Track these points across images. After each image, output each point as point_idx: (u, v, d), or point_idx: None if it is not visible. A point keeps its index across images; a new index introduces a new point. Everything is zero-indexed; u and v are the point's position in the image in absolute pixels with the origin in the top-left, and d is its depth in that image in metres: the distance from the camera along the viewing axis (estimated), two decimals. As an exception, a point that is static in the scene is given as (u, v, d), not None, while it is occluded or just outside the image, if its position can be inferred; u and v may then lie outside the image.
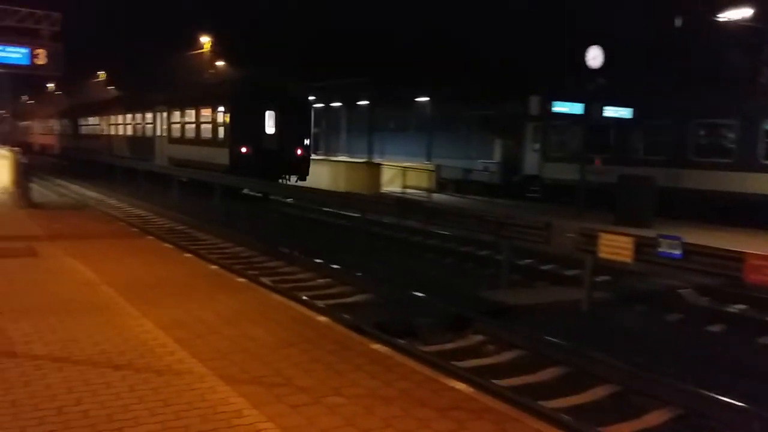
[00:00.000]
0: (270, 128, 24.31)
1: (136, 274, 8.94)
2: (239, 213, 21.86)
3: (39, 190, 20.87)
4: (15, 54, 15.44)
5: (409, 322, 8.78)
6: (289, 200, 22.35)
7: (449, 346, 8.38)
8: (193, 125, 27.33)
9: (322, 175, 24.57)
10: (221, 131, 24.70)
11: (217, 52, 54.52)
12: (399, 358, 5.97)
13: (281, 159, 23.70)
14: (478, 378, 6.66)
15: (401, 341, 7.83)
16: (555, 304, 10.43)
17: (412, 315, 9.08)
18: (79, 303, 7.26)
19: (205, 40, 54.05)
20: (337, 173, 24.55)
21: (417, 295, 10.24)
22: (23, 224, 13.28)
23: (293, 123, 24.58)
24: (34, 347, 5.69)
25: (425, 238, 16.88)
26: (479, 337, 8.62)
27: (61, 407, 4.46)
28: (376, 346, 6.24)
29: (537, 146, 23.37)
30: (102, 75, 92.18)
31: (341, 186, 20.47)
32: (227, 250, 14.71)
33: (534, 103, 18.12)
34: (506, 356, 8.05)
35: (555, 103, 17.71)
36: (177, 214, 19.77)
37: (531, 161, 23.49)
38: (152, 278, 8.71)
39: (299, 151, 24.22)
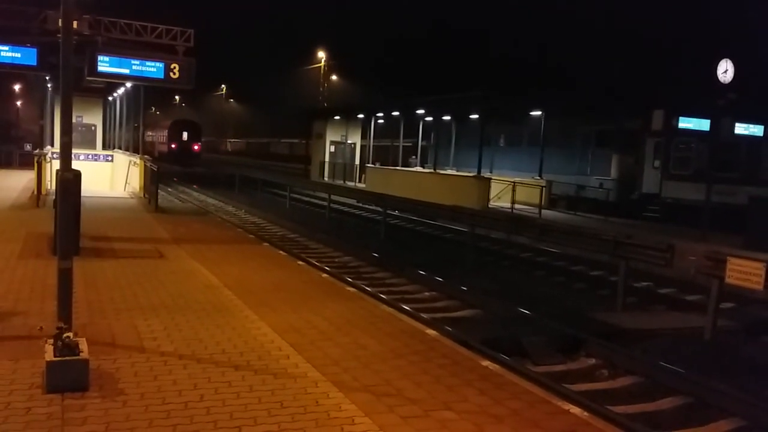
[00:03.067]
0: (184, 138, 54.32)
1: (253, 278, 9.32)
2: (348, 224, 22.32)
3: (164, 196, 22.24)
4: (151, 68, 16.56)
5: (517, 340, 8.61)
6: (395, 212, 22.60)
7: (560, 367, 8.14)
8: (162, 135, 56.08)
9: (430, 188, 24.66)
10: (166, 138, 54.35)
11: (332, 67, 56.24)
12: (509, 376, 5.86)
13: (188, 151, 53.19)
14: (592, 403, 6.42)
15: (510, 359, 7.69)
16: (674, 330, 9.89)
17: (520, 333, 8.90)
18: (201, 304, 7.66)
19: (321, 56, 55.91)
20: (445, 186, 24.56)
21: (525, 313, 10.03)
22: (151, 227, 14.20)
23: (195, 136, 55.70)
24: (162, 344, 6.05)
25: (535, 255, 16.51)
26: (592, 361, 8.32)
27: (187, 402, 4.71)
28: (486, 363, 6.16)
29: (657, 163, 22.29)
30: (223, 88, 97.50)
31: (449, 200, 20.38)
32: (336, 260, 15.05)
33: (657, 118, 17.30)
34: (621, 382, 7.71)
35: (681, 118, 16.81)
36: (289, 223, 20.48)
37: (650, 179, 22.41)
38: (268, 283, 9.05)
39: (196, 148, 55.25)
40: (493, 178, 24.06)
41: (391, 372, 5.63)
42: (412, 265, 13.51)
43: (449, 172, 29.51)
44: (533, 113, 25.90)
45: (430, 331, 7.18)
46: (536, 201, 21.38)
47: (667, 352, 8.63)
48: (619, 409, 6.69)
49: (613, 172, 23.82)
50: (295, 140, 62.73)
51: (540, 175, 24.68)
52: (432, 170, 29.50)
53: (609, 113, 23.61)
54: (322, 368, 5.59)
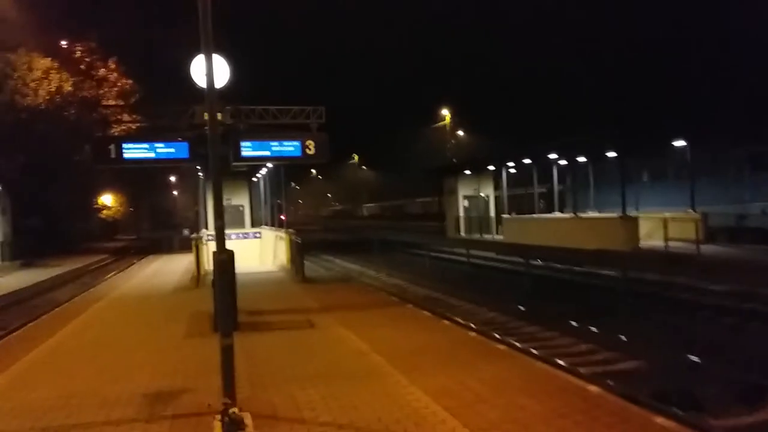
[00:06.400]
0: None
1: (400, 341, 9.32)
2: (489, 278, 21.95)
3: (309, 266, 23.11)
4: (289, 147, 17.56)
5: (691, 392, 7.88)
6: (538, 261, 21.95)
7: (746, 419, 7.31)
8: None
9: (572, 233, 23.79)
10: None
11: (457, 123, 56.79)
12: (688, 433, 5.33)
13: None
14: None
15: (686, 414, 7.02)
16: None
17: (693, 383, 8.15)
18: (353, 371, 7.73)
19: (445, 113, 56.76)
20: (588, 230, 23.58)
21: (696, 361, 9.20)
22: (300, 298, 14.74)
23: None
24: (320, 414, 6.13)
25: (697, 295, 15.25)
26: (782, 410, 7.41)
27: (349, 474, 4.69)
28: (659, 420, 5.65)
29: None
30: (355, 157, 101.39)
31: (593, 243, 19.51)
32: (481, 316, 14.76)
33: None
34: (822, 434, 6.77)
35: None
36: (430, 282, 20.50)
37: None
38: (415, 346, 9.00)
39: None
40: (640, 215, 22.77)
41: (555, 434, 5.31)
42: (563, 316, 12.94)
43: (591, 214, 28.35)
44: (677, 144, 24.42)
45: (592, 387, 6.74)
46: (692, 236, 19.90)
47: None
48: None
49: (778, 197, 21.71)
50: (428, 198, 63.35)
51: (693, 208, 23.06)
52: (572, 214, 28.49)
53: (764, 131, 21.70)
54: (482, 433, 5.38)
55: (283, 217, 48.12)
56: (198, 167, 22.57)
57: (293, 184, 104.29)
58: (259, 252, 23.14)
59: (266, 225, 25.52)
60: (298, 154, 17.67)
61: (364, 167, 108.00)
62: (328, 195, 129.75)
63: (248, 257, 21.78)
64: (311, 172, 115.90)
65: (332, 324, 10.98)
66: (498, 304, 15.42)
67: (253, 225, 24.47)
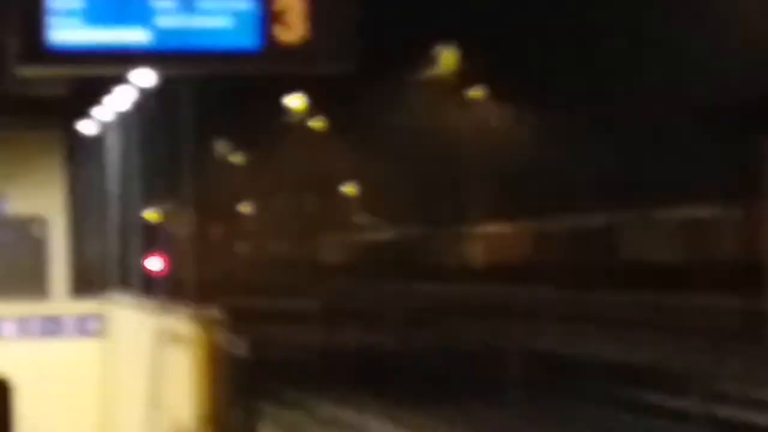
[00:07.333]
0: None
1: None
2: None
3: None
4: (220, 21, 3.53)
5: None
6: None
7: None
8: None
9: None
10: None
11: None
12: None
13: None
14: None
15: None
16: None
17: None
18: None
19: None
20: None
21: None
22: None
23: None
24: None
25: None
26: None
27: None
28: None
29: None
30: (447, 60, 56.30)
31: None
32: None
33: None
34: None
35: None
36: None
37: None
38: None
39: None
40: None
41: None
42: None
43: None
44: None
45: None
46: None
47: None
48: None
49: None
50: (704, 212, 24.90)
51: None
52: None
53: None
54: None
55: (160, 264, 11.90)
56: None
57: (229, 145, 46.13)
58: (98, 386, 7.97)
59: (124, 287, 10.11)
60: (253, 42, 3.45)
61: (477, 94, 40.88)
62: (352, 190, 51.65)
63: (58, 406, 6.77)
64: (292, 111, 46.42)
65: None
66: None
67: (77, 290, 9.08)
